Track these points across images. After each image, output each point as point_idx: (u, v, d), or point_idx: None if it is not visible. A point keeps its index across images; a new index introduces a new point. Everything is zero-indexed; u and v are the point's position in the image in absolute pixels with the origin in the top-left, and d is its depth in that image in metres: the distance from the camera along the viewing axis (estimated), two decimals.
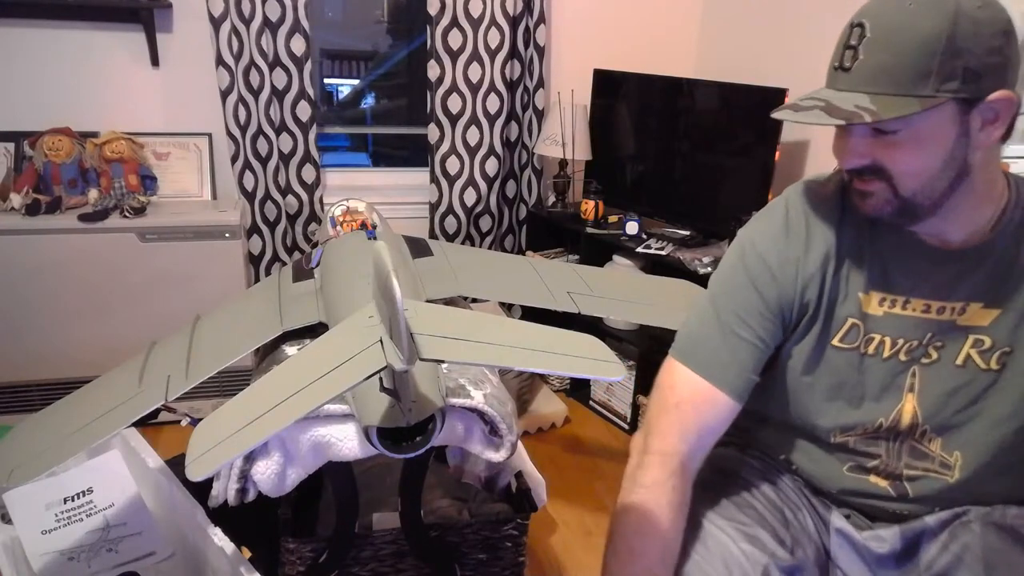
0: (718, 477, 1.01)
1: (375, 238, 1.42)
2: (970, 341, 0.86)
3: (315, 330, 1.28)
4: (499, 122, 2.56)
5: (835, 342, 0.91)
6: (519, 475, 1.40)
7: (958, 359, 0.87)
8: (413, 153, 2.78)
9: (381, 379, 0.85)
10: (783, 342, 0.95)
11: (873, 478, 0.92)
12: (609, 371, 0.76)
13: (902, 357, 0.88)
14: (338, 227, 1.49)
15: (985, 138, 0.79)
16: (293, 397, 0.71)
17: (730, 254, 0.97)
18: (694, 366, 0.94)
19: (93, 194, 2.19)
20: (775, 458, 1.03)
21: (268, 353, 1.30)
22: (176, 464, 1.60)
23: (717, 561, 0.88)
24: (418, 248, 1.49)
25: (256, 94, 2.32)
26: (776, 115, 0.82)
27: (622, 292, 1.52)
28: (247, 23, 2.24)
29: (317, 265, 1.42)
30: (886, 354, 0.89)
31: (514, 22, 2.46)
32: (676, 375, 0.95)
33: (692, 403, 0.93)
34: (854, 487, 0.94)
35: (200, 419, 0.83)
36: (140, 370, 1.22)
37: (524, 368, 0.77)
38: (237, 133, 2.33)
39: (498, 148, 2.59)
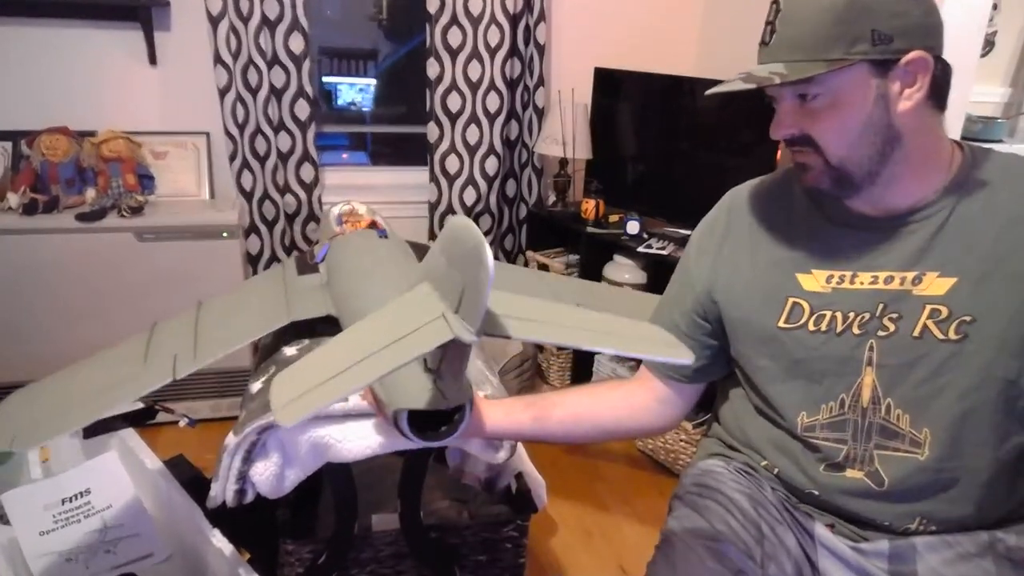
0: (699, 491, 1.02)
1: (386, 237, 1.42)
2: (926, 312, 0.85)
3: (314, 327, 1.28)
4: (499, 121, 2.55)
5: (780, 324, 0.93)
6: (519, 476, 1.40)
7: (915, 331, 0.86)
8: (412, 152, 2.78)
9: (426, 360, 0.84)
10: (722, 331, 1.01)
11: (849, 472, 0.91)
12: (678, 353, 0.77)
13: (855, 331, 0.88)
14: (344, 225, 1.49)
15: (907, 102, 0.81)
16: (365, 360, 0.70)
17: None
18: None
19: (90, 193, 2.18)
20: (758, 465, 1.02)
21: (268, 354, 1.29)
22: (174, 465, 1.59)
23: None
24: (423, 253, 1.48)
25: (254, 93, 2.31)
26: (708, 92, 0.87)
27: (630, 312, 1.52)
28: (245, 21, 2.23)
29: (322, 261, 1.42)
30: (839, 329, 0.89)
31: (514, 20, 2.46)
32: None
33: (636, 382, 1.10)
34: (833, 485, 0.92)
35: (197, 420, 0.82)
36: (144, 348, 1.21)
37: (599, 349, 0.77)
38: (235, 132, 2.32)
39: (498, 147, 2.58)
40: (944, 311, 0.84)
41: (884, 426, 0.89)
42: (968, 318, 0.83)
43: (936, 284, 0.85)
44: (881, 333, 0.87)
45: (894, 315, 0.87)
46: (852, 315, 0.88)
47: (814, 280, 0.91)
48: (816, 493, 0.94)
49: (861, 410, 0.90)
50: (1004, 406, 0.85)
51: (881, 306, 0.87)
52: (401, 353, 0.70)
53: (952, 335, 0.84)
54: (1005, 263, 0.83)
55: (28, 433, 1.02)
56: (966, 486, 0.88)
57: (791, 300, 0.92)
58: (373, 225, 1.49)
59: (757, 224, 0.97)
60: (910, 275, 0.86)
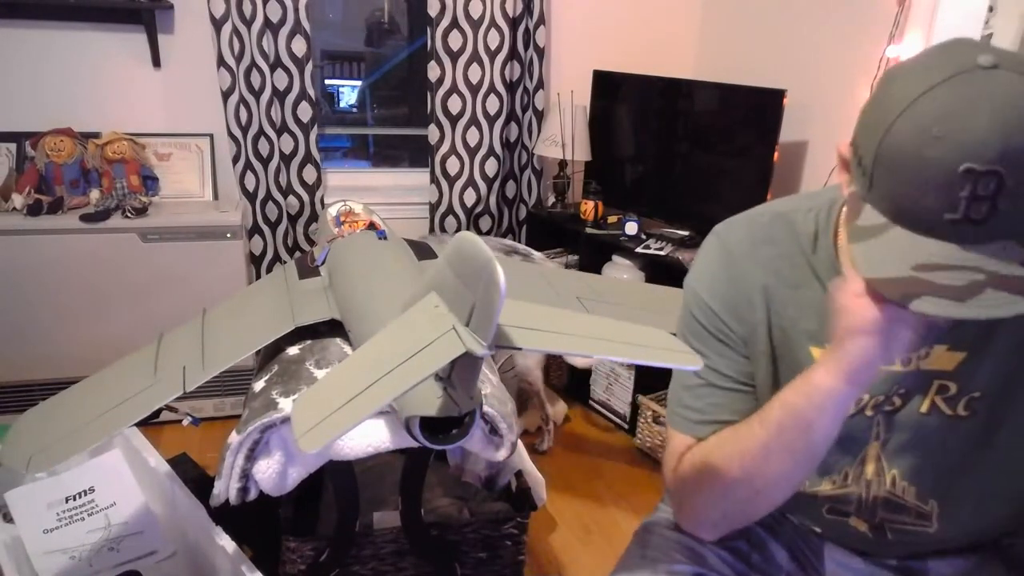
0: None
1: (385, 238, 1.43)
2: (935, 387, 0.80)
3: (316, 328, 1.29)
4: (499, 123, 2.57)
5: None
6: (519, 474, 1.41)
7: (923, 407, 0.81)
8: (413, 154, 2.79)
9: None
10: None
11: (853, 520, 0.88)
12: (687, 360, 0.75)
13: (868, 412, 0.83)
14: (342, 227, 1.50)
15: None
16: (382, 380, 0.70)
17: (684, 305, 0.92)
18: (679, 428, 0.90)
19: (95, 194, 2.20)
20: None
21: (271, 355, 1.31)
22: (178, 463, 1.60)
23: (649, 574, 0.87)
24: (422, 251, 1.49)
25: (257, 95, 2.33)
26: (958, 314, 0.61)
27: (628, 300, 1.54)
28: (248, 24, 2.24)
29: (323, 263, 1.43)
30: (852, 411, 0.82)
31: (514, 23, 2.47)
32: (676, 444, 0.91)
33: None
34: (837, 528, 0.90)
35: (201, 419, 0.83)
36: (153, 361, 1.22)
37: (607, 357, 0.77)
38: (238, 134, 2.33)
39: (498, 149, 2.60)
40: (953, 387, 0.80)
41: (888, 499, 0.85)
42: (977, 394, 0.79)
43: (945, 358, 0.79)
44: (888, 408, 0.83)
45: (902, 391, 0.81)
46: (867, 397, 0.82)
47: None
48: (818, 530, 0.93)
49: (865, 482, 0.86)
50: (1015, 480, 0.82)
51: (895, 387, 0.82)
52: (416, 371, 0.70)
53: (961, 411, 0.80)
54: (997, 333, 0.78)
55: (43, 455, 1.03)
56: (976, 541, 0.87)
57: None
58: (372, 226, 1.50)
59: (763, 282, 0.85)
60: (921, 351, 0.80)
